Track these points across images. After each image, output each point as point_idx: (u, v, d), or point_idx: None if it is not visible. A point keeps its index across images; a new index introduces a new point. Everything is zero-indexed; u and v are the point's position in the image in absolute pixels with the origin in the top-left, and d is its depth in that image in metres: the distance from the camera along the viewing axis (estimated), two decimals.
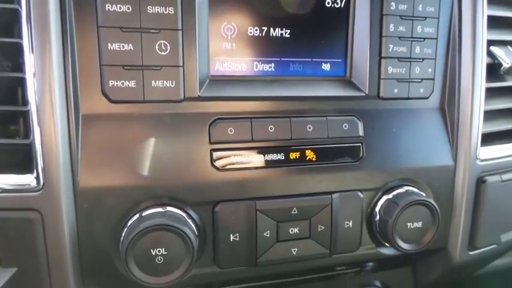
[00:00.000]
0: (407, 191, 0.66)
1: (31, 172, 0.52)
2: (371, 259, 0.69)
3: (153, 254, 0.53)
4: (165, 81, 0.56)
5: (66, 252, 0.53)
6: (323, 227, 0.63)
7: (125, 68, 0.54)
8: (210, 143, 0.58)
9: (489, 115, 0.73)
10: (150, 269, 0.54)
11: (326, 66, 0.67)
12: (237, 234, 0.59)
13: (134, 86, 0.55)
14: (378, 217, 0.65)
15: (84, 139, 0.54)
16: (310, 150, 0.62)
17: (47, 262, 0.53)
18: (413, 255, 0.74)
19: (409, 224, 0.64)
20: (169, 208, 0.56)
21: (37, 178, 0.52)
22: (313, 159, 0.62)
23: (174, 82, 0.57)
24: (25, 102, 0.51)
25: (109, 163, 0.54)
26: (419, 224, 0.65)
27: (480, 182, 0.71)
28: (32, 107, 0.51)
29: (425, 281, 0.83)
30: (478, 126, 0.70)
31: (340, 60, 0.67)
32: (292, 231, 0.62)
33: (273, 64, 0.64)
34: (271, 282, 0.71)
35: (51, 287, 0.54)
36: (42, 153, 0.51)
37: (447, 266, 0.76)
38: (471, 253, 0.75)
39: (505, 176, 0.72)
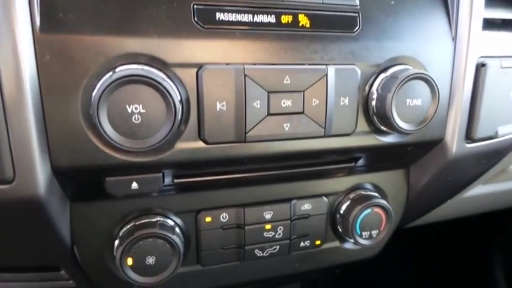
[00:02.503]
0: (406, 68, 0.61)
1: None
2: (366, 147, 0.64)
3: (129, 111, 0.47)
4: None
5: (26, 110, 0.46)
6: (317, 101, 0.58)
7: None
8: None
9: (492, 2, 0.69)
10: (126, 130, 0.47)
11: None
12: (224, 103, 0.53)
13: None
14: (375, 96, 0.60)
15: None
16: (303, 15, 0.56)
17: (5, 123, 0.46)
18: (408, 146, 0.70)
19: (408, 100, 0.60)
20: (147, 67, 0.50)
21: None
22: (307, 25, 0.56)
23: None
24: None
25: (74, 8, 0.47)
26: (418, 102, 0.61)
27: (480, 66, 0.67)
28: None
29: (418, 185, 0.80)
30: (480, 5, 0.66)
31: None
32: (284, 103, 0.56)
33: None
34: (258, 175, 0.66)
35: (12, 154, 0.47)
36: None
37: (442, 163, 0.73)
38: (468, 146, 0.72)
39: (505, 63, 0.69)
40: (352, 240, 0.74)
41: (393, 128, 0.61)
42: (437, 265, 1.91)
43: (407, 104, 0.60)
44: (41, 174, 0.48)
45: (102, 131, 0.46)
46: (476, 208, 1.23)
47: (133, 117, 0.47)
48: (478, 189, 1.02)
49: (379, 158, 0.73)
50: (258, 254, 0.70)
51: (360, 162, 0.73)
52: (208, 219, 0.66)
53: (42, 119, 0.48)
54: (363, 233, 0.74)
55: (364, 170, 0.76)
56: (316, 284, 1.07)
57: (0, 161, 0.47)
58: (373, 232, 0.75)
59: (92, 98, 0.47)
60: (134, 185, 0.55)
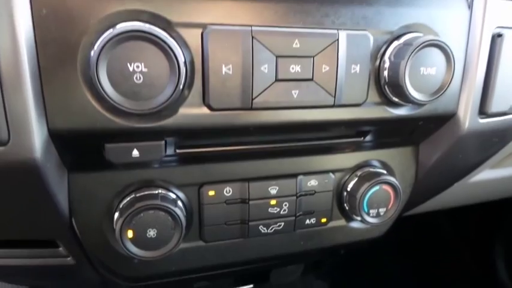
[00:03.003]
0: (420, 36, 0.59)
1: None
2: (377, 120, 0.62)
3: (131, 70, 0.45)
4: None
5: (22, 68, 0.43)
6: (327, 68, 0.55)
7: None
8: None
9: None
10: (127, 90, 0.45)
11: None
12: (230, 66, 0.51)
13: None
14: (387, 64, 0.58)
15: None
16: None
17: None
18: (419, 120, 0.67)
19: (422, 69, 0.57)
20: (150, 25, 0.47)
21: None
22: None
23: None
24: None
25: None
26: (432, 71, 0.58)
27: (496, 36, 0.64)
28: None
29: (427, 163, 0.77)
30: None
31: None
32: (293, 69, 0.54)
33: None
34: (263, 147, 0.64)
35: (7, 114, 0.45)
36: None
37: (454, 139, 0.71)
38: (481, 121, 0.69)
39: None
40: (359, 218, 0.72)
41: (406, 98, 0.58)
42: (438, 257, 1.91)
43: (421, 72, 0.57)
44: (37, 136, 0.46)
45: (101, 90, 0.44)
46: (483, 195, 1.21)
47: (134, 76, 0.45)
48: (486, 174, 1.00)
49: (389, 133, 0.71)
50: (262, 231, 0.68)
51: (369, 137, 0.70)
52: (211, 193, 0.64)
53: (39, 78, 0.45)
54: (371, 211, 0.72)
55: (372, 146, 0.73)
56: (319, 266, 1.05)
57: None
58: (380, 210, 0.73)
59: (91, 56, 0.44)
60: (135, 153, 0.53)
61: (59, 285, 1.25)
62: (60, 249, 0.73)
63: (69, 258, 0.75)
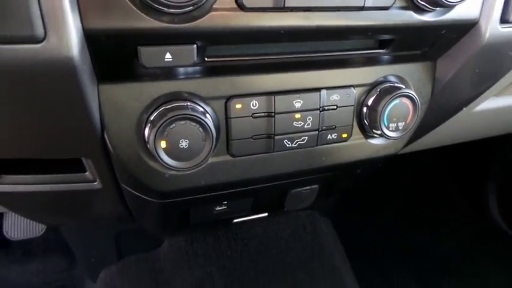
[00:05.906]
0: None
1: None
2: (402, 26, 0.62)
3: None
4: None
5: None
6: None
7: None
8: None
9: None
10: None
11: None
12: None
13: None
14: None
15: None
16: None
17: None
18: (443, 28, 0.67)
19: None
20: None
21: None
22: None
23: None
24: None
25: None
26: None
27: None
28: None
29: (444, 79, 0.79)
30: None
31: None
32: None
33: None
34: (289, 58, 0.64)
35: (41, 8, 0.43)
36: None
37: (474, 49, 0.71)
38: (502, 29, 0.70)
39: None
40: (378, 132, 0.74)
41: None
42: (430, 196, 1.96)
43: None
44: (74, 33, 0.45)
45: None
46: (484, 128, 1.22)
47: None
48: (490, 103, 1.02)
49: (411, 44, 0.71)
50: (287, 145, 0.70)
51: (390, 49, 0.70)
52: (238, 106, 0.64)
53: None
54: (390, 125, 0.74)
55: (391, 61, 0.74)
56: (330, 192, 1.09)
57: (29, 15, 0.43)
58: (399, 124, 0.74)
59: None
60: (168, 56, 0.52)
61: (74, 221, 1.28)
62: (87, 173, 0.74)
63: (96, 183, 0.76)
